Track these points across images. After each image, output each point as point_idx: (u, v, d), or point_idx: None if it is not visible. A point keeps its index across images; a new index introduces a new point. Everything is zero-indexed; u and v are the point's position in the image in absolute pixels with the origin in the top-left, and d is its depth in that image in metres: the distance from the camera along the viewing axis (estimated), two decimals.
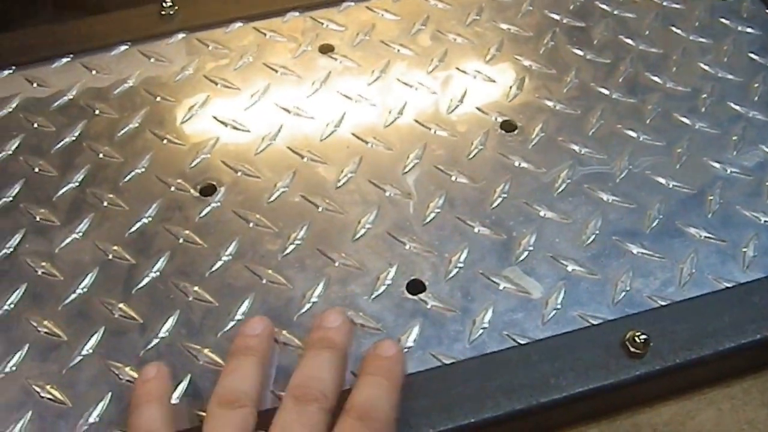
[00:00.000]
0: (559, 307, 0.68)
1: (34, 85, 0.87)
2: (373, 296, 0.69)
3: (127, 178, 0.78)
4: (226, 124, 0.82)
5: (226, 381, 0.61)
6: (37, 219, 0.75)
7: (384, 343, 0.64)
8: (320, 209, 0.75)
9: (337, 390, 0.61)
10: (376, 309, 0.68)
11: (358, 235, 0.73)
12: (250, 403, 0.60)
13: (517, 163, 0.77)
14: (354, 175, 0.77)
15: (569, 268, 0.70)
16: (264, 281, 0.70)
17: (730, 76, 0.85)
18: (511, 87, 0.84)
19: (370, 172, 0.77)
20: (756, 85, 0.84)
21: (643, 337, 0.64)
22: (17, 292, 0.71)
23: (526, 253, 0.71)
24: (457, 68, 0.86)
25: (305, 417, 0.58)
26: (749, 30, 0.90)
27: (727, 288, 0.69)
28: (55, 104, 0.85)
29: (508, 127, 0.81)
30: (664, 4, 0.92)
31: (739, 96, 0.83)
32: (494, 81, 0.85)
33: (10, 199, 0.77)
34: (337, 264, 0.71)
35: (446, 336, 0.66)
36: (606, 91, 0.83)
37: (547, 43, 0.88)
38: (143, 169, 0.78)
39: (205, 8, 0.92)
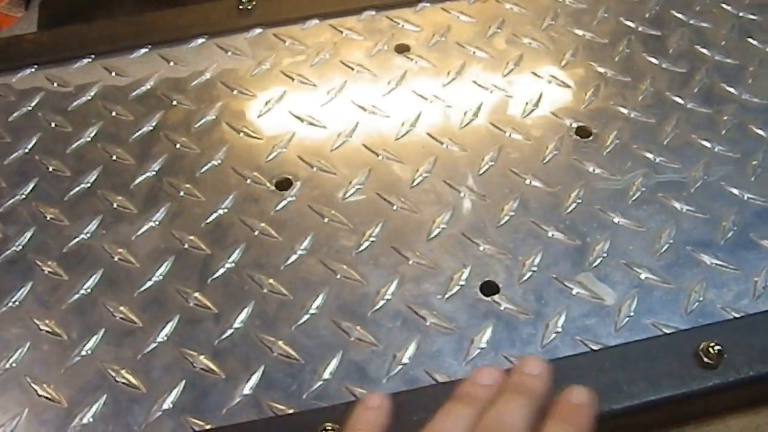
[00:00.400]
0: (632, 314, 0.68)
1: (113, 74, 0.88)
2: (446, 296, 0.69)
3: (204, 169, 0.79)
4: (302, 120, 0.83)
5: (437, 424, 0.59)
6: (115, 206, 0.77)
7: (575, 389, 0.59)
8: (395, 207, 0.75)
9: None
10: (449, 309, 0.69)
11: (432, 235, 0.73)
12: None
13: (591, 169, 0.78)
14: (429, 175, 0.77)
15: (642, 276, 0.70)
16: (338, 276, 0.71)
17: None
18: (586, 93, 0.84)
19: (444, 172, 0.78)
20: None
21: (718, 347, 0.64)
22: (94, 277, 0.72)
23: (599, 259, 0.71)
24: (533, 72, 0.86)
25: None
26: None
27: None
28: (133, 94, 0.86)
29: (583, 133, 0.81)
30: (741, 14, 0.92)
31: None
32: (569, 86, 0.85)
33: (88, 185, 0.79)
34: (411, 262, 0.72)
35: (519, 339, 0.67)
36: (681, 101, 0.83)
37: (622, 51, 0.88)
38: (219, 161, 0.80)
39: (282, 4, 0.93)
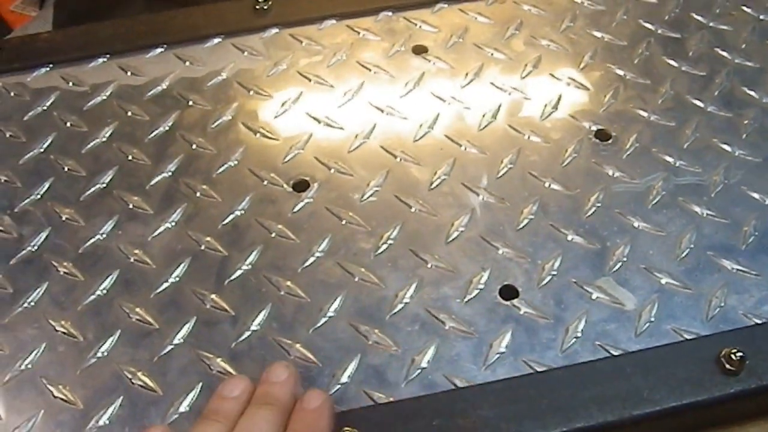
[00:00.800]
0: (652, 320, 0.67)
1: (128, 73, 0.88)
2: (465, 299, 0.69)
3: (221, 169, 0.79)
4: (319, 121, 0.82)
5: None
6: (131, 206, 0.76)
7: (310, 393, 0.62)
8: (413, 210, 0.75)
9: None
10: (468, 313, 0.68)
11: (451, 238, 0.73)
12: None
13: (611, 173, 0.77)
14: (447, 178, 0.77)
15: (663, 281, 0.69)
16: (356, 279, 0.70)
17: None
18: (605, 96, 0.83)
19: (463, 174, 0.77)
20: None
21: (740, 354, 0.63)
22: (110, 277, 0.72)
23: (619, 263, 0.70)
24: (551, 74, 0.86)
25: None
26: None
27: None
28: (149, 93, 0.86)
29: (602, 136, 0.80)
30: (761, 17, 0.91)
31: None
32: (588, 89, 0.84)
33: (104, 185, 0.78)
34: (429, 266, 0.71)
35: (538, 343, 0.66)
36: (701, 104, 0.83)
37: (642, 53, 0.88)
38: (236, 162, 0.79)
39: (298, 4, 0.93)
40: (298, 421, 0.60)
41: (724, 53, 0.88)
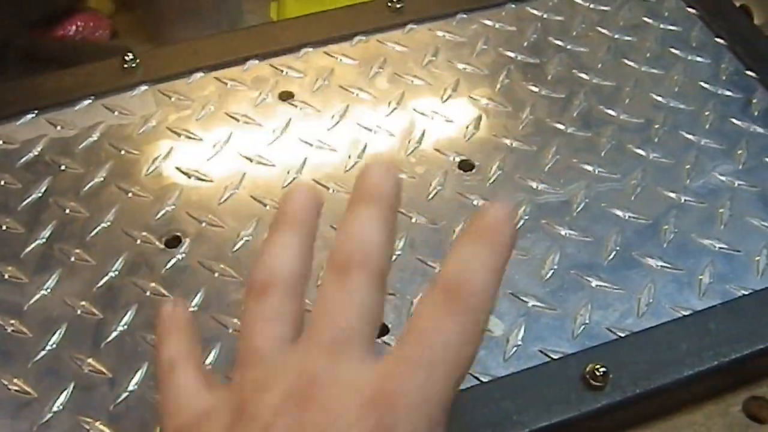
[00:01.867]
0: (520, 343, 0.69)
1: (0, 142, 0.88)
2: None
3: (94, 232, 0.79)
4: (189, 175, 0.83)
5: (261, 262, 0.52)
6: (6, 276, 0.76)
7: (494, 203, 0.48)
8: None
9: (390, 254, 0.50)
10: None
11: (319, 281, 0.73)
12: (290, 286, 0.51)
13: (475, 202, 0.79)
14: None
15: (529, 304, 0.71)
16: (230, 330, 0.71)
17: (681, 106, 0.87)
18: (467, 126, 0.85)
19: (331, 217, 0.78)
20: (707, 113, 0.86)
21: (603, 369, 0.65)
22: None
23: None
24: (415, 109, 0.88)
25: (351, 291, 0.47)
26: (699, 59, 0.92)
27: (684, 316, 0.70)
28: (21, 161, 0.85)
29: (466, 166, 0.82)
30: (616, 36, 0.94)
31: (690, 125, 0.85)
32: (451, 121, 0.86)
33: None
34: None
35: None
36: (561, 126, 0.85)
37: (503, 81, 0.90)
38: (109, 223, 0.79)
39: (166, 60, 0.93)
40: (480, 229, 0.47)
41: (582, 74, 0.90)
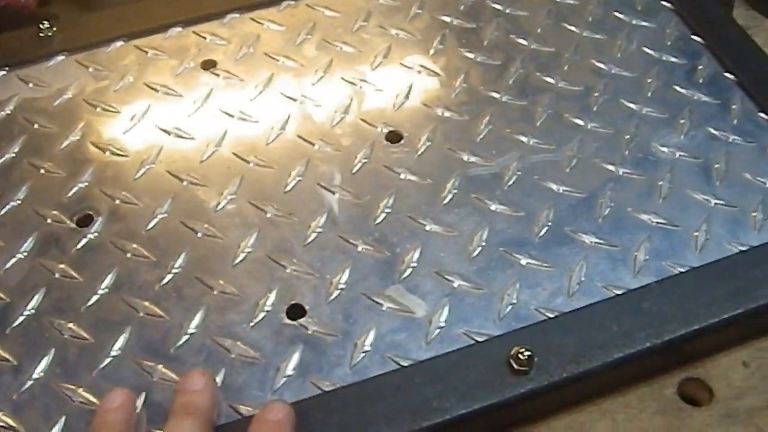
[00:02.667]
0: (443, 325, 0.66)
1: None
2: (252, 324, 0.66)
3: (2, 211, 0.75)
4: (104, 150, 0.79)
5: None
6: None
7: (272, 405, 0.60)
8: (199, 235, 0.72)
9: None
10: (255, 337, 0.66)
11: (237, 260, 0.70)
12: None
13: (402, 176, 0.75)
14: (235, 197, 0.74)
15: (455, 284, 0.68)
16: (141, 314, 0.68)
17: (624, 73, 0.83)
18: (397, 95, 0.82)
19: (251, 192, 0.75)
20: (649, 80, 0.83)
21: (528, 353, 0.62)
22: None
23: (409, 270, 0.69)
24: (342, 78, 0.84)
25: None
26: (644, 23, 0.88)
27: (617, 295, 0.67)
28: None
29: (393, 137, 0.78)
30: (558, 0, 0.90)
31: (632, 93, 0.82)
32: (381, 90, 0.82)
33: None
34: (215, 292, 0.68)
35: (327, 362, 0.64)
36: (496, 95, 0.82)
37: (437, 47, 0.86)
38: (19, 202, 0.75)
39: (85, 28, 0.89)
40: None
41: (521, 40, 0.86)
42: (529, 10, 0.90)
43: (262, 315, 0.67)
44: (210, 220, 0.73)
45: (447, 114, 0.80)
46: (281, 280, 0.69)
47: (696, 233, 0.71)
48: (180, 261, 0.71)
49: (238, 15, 0.90)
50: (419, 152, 0.77)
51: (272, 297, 0.68)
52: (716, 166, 0.76)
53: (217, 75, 0.85)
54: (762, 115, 0.80)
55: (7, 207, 0.75)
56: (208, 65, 0.86)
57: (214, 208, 0.74)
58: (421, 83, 0.83)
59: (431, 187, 0.74)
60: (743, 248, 0.70)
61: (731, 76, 0.83)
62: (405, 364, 0.64)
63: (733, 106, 0.81)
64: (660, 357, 0.66)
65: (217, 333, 0.66)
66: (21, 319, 0.68)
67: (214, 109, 0.82)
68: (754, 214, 0.73)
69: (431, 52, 0.86)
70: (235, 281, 0.69)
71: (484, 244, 0.70)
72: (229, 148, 0.79)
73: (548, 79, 0.83)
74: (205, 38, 0.88)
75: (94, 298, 0.69)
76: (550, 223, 0.72)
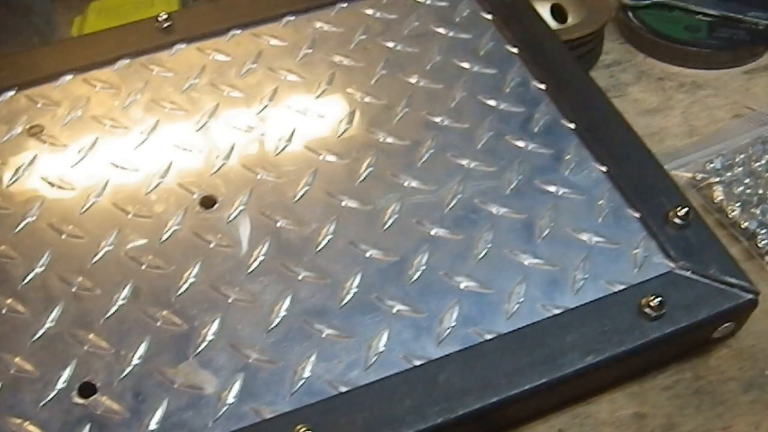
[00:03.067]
0: (232, 401, 0.65)
1: None
2: (41, 404, 0.65)
3: None
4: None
5: None
6: None
7: None
8: (3, 311, 0.71)
9: None
10: (43, 418, 0.65)
11: (37, 336, 0.69)
12: None
13: (213, 245, 0.75)
14: (42, 270, 0.73)
15: (250, 358, 0.67)
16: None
17: (455, 125, 0.83)
18: (217, 156, 0.82)
19: (59, 265, 0.73)
20: (480, 132, 0.82)
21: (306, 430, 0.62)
22: None
23: (205, 343, 0.68)
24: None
25: None
26: (485, 71, 0.88)
27: (415, 367, 0.66)
28: None
29: (207, 202, 0.78)
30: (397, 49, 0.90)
31: (461, 146, 0.81)
32: (199, 151, 0.82)
33: None
34: (12, 371, 0.67)
35: None
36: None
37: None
38: None
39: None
40: None
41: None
42: (364, 61, 0.89)
43: (52, 394, 0.66)
44: (15, 295, 0.72)
45: (263, 176, 0.80)
46: (77, 356, 0.68)
47: (509, 296, 0.70)
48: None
49: (71, 77, 0.90)
50: (227, 220, 0.76)
51: (66, 374, 0.67)
52: (540, 222, 0.75)
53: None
54: (595, 164, 0.79)
55: None
56: (35, 132, 0.85)
57: (21, 280, 0.73)
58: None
59: (238, 253, 0.74)
60: (558, 311, 0.69)
61: (569, 124, 0.82)
62: None
63: (567, 156, 0.79)
64: (460, 430, 0.65)
65: (6, 413, 0.65)
66: None
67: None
68: (575, 273, 0.71)
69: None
70: (31, 358, 0.68)
71: (284, 314, 0.69)
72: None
73: (374, 136, 0.82)
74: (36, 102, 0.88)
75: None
76: (356, 290, 0.71)
